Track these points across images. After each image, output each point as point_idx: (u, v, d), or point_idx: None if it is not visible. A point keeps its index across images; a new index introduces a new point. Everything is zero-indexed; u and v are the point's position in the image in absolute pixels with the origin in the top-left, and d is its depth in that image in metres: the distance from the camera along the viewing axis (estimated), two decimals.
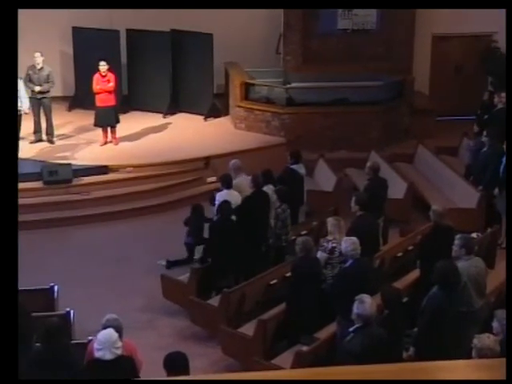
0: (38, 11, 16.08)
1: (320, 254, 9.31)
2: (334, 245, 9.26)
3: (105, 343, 6.64)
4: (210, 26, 17.05)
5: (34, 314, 8.04)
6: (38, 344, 7.50)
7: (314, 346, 8.53)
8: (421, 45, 17.93)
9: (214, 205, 11.13)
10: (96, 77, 15.29)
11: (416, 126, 16.79)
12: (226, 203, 10.59)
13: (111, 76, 15.40)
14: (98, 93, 15.29)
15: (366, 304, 7.27)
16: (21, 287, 8.10)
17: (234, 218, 10.69)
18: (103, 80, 15.28)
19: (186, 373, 6.23)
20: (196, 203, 12.21)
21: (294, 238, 10.46)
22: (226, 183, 11.26)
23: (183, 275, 10.73)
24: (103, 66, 15.25)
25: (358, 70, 17.05)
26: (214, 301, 10.05)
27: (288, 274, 9.62)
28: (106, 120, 15.54)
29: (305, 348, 8.53)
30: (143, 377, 6.81)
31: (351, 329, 7.37)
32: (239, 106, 16.89)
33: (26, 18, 16.71)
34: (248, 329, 9.26)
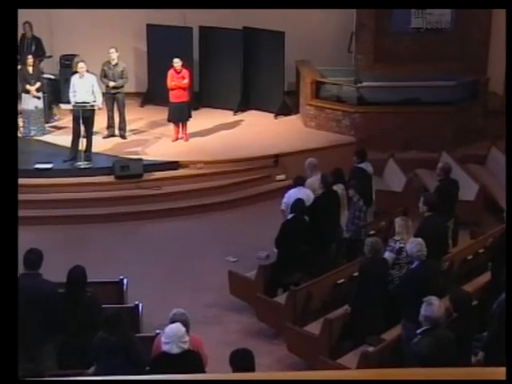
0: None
1: (388, 254, 9.26)
2: (401, 245, 9.20)
3: (172, 337, 6.72)
4: (282, 23, 17.07)
5: (104, 306, 8.17)
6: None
7: (379, 346, 8.48)
8: (497, 44, 17.60)
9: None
10: (170, 73, 15.45)
11: (489, 127, 16.50)
12: (299, 201, 10.59)
13: (186, 72, 15.54)
14: (173, 89, 15.44)
15: (434, 306, 7.19)
16: (91, 279, 8.28)
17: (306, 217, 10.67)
18: (178, 76, 15.42)
19: (252, 370, 6.26)
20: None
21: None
22: (297, 182, 11.30)
23: (250, 272, 10.77)
24: (177, 63, 15.40)
25: (430, 70, 16.84)
26: (281, 298, 10.07)
27: (355, 274, 9.58)
28: (179, 116, 15.68)
29: (371, 349, 8.48)
30: (209, 372, 6.87)
31: (418, 331, 7.29)
32: (310, 105, 16.86)
33: (102, 15, 17.07)
34: (314, 327, 9.25)
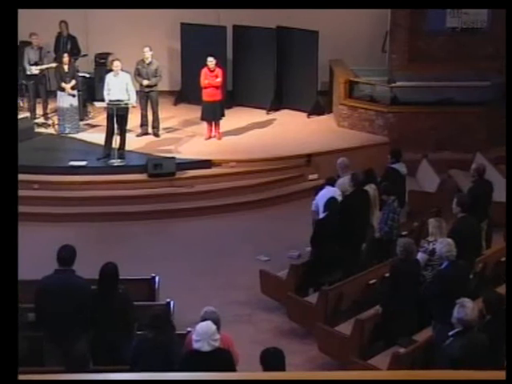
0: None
1: (420, 255, 9.21)
2: (434, 246, 9.13)
3: (203, 335, 6.73)
4: (316, 23, 17.04)
5: (136, 303, 8.21)
6: (139, 332, 7.69)
7: (411, 348, 8.43)
8: None
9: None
10: (204, 71, 15.48)
11: None
12: (332, 199, 10.56)
13: (219, 71, 15.57)
14: (206, 87, 15.48)
15: (467, 308, 7.12)
16: (123, 276, 8.32)
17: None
18: (211, 75, 15.45)
19: (282, 369, 6.25)
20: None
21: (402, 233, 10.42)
22: (327, 182, 11.29)
23: (282, 271, 10.77)
24: (211, 62, 15.43)
25: (465, 70, 16.71)
26: (312, 298, 10.06)
27: (387, 275, 9.54)
28: (212, 114, 15.71)
29: (402, 350, 8.43)
30: (239, 370, 6.87)
31: (451, 333, 7.23)
32: (343, 104, 16.81)
33: (137, 14, 17.17)
34: (345, 328, 9.22)
